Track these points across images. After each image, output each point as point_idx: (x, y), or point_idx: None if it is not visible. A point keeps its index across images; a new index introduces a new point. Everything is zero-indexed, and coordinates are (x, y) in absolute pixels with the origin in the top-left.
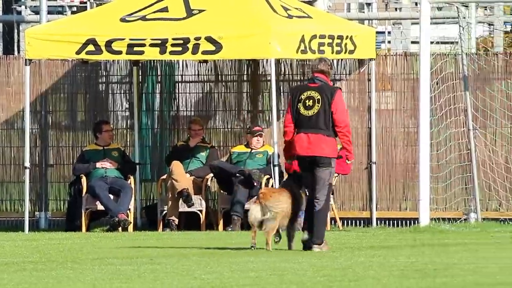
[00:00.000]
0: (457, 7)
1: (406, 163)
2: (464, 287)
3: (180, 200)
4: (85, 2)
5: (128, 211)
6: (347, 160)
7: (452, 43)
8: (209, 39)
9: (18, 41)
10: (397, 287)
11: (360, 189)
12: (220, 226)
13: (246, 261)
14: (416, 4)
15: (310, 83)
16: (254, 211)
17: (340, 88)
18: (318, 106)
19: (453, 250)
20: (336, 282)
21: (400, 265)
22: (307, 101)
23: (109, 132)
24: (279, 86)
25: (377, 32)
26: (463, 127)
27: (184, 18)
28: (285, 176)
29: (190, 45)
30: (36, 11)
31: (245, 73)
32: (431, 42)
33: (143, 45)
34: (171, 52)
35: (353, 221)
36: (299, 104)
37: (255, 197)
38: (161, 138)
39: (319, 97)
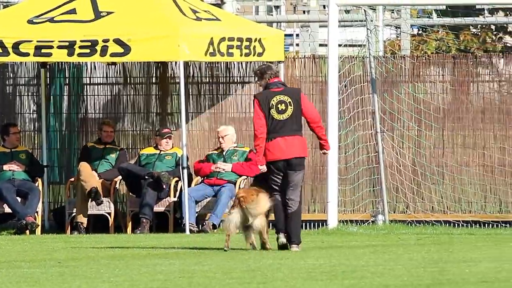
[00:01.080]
0: (364, 10)
1: (314, 165)
2: None
3: (89, 202)
4: None
5: (35, 214)
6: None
7: (360, 46)
8: (118, 42)
9: None
10: None
11: None
12: (129, 229)
13: (155, 264)
14: (324, 7)
15: (273, 88)
16: (235, 218)
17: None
18: (291, 108)
19: (361, 252)
20: (245, 285)
21: (309, 267)
22: (279, 105)
23: (16, 135)
24: (188, 88)
25: (286, 35)
26: (371, 130)
27: (92, 20)
28: (195, 179)
29: (98, 47)
30: None
31: (154, 75)
32: (339, 45)
33: (51, 47)
34: (79, 54)
35: None
36: (272, 110)
37: (233, 202)
38: (69, 141)
39: (289, 100)
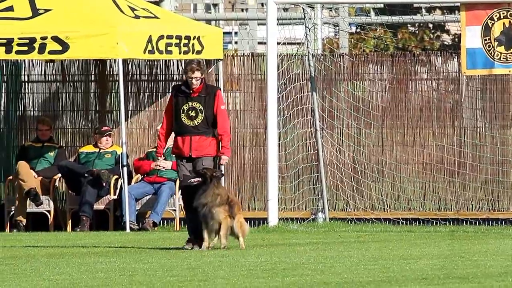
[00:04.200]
0: (303, 8)
1: (254, 163)
2: (312, 287)
3: (28, 200)
4: None
5: None
6: None
7: (298, 44)
8: (56, 39)
9: None
10: (246, 286)
11: None
12: (69, 227)
13: (95, 262)
14: (262, 5)
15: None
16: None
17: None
18: None
19: (301, 250)
20: (186, 282)
21: (250, 265)
22: None
23: None
24: (127, 86)
25: (224, 33)
26: (311, 128)
27: (30, 18)
28: (135, 177)
29: (36, 45)
30: None
31: (93, 73)
32: (278, 43)
33: None
34: (17, 52)
35: None
36: None
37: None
38: (8, 139)
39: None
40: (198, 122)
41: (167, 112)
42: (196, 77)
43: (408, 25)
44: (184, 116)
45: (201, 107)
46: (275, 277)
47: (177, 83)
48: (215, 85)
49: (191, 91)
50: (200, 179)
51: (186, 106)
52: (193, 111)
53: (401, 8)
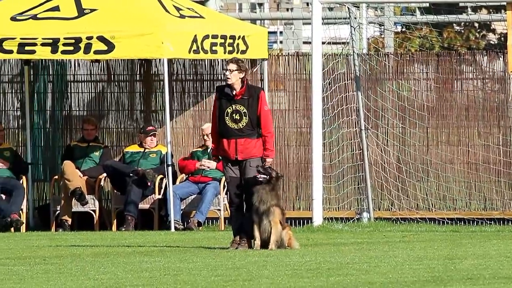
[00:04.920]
0: (348, 7)
1: (299, 162)
2: (357, 286)
3: (73, 200)
4: None
5: (20, 211)
6: None
7: (343, 43)
8: (101, 39)
9: None
10: (291, 286)
11: None
12: (114, 226)
13: (140, 261)
14: (307, 4)
15: None
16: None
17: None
18: None
19: (346, 250)
20: (230, 282)
21: (294, 264)
22: None
23: (0, 132)
24: (172, 85)
25: (269, 32)
26: (355, 127)
27: (75, 18)
28: (180, 176)
29: (82, 45)
30: None
31: (138, 72)
32: (323, 43)
33: (35, 44)
34: (63, 52)
35: None
36: None
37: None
38: (53, 138)
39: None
40: (242, 125)
41: (214, 114)
42: (230, 70)
43: (454, 24)
44: (229, 119)
45: (245, 110)
46: (320, 277)
47: (222, 83)
48: (260, 85)
49: (234, 94)
50: (266, 176)
51: (230, 109)
52: (237, 114)
53: (447, 7)
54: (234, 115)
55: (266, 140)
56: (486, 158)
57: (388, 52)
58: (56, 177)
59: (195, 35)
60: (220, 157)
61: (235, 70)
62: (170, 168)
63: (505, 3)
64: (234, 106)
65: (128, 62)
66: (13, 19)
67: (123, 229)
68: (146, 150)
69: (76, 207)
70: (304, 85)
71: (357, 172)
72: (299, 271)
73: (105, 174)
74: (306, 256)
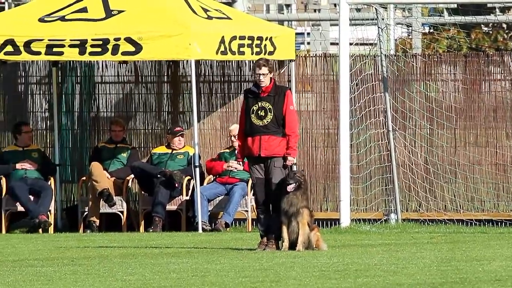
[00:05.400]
0: (375, 8)
1: (326, 164)
2: None
3: (101, 201)
4: (3, 2)
5: (48, 212)
6: None
7: (371, 44)
8: (129, 40)
9: None
10: (318, 287)
11: None
12: (142, 227)
13: (167, 263)
14: (335, 5)
15: None
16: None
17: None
18: None
19: (373, 251)
20: (257, 283)
21: (322, 265)
22: None
23: (28, 133)
24: (199, 87)
25: (297, 33)
26: (383, 128)
27: (103, 19)
28: (207, 178)
29: (109, 46)
30: None
31: (165, 74)
32: (350, 44)
33: (62, 45)
34: (91, 53)
35: None
36: None
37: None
38: (81, 139)
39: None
40: (267, 121)
41: (241, 117)
42: (264, 74)
43: (482, 25)
44: (254, 116)
45: (270, 107)
46: (347, 278)
47: (249, 84)
48: (287, 85)
49: (260, 91)
50: (295, 183)
51: (255, 106)
52: (263, 111)
53: (475, 8)
54: (259, 111)
55: (290, 139)
56: None
57: (415, 53)
58: (84, 178)
59: (223, 36)
60: (246, 158)
61: (267, 73)
62: (197, 169)
63: None
64: (260, 103)
65: (155, 63)
66: (41, 20)
67: (151, 230)
68: (174, 151)
69: (104, 208)
70: (332, 86)
71: (385, 173)
72: (327, 273)
73: (132, 176)
74: (333, 258)
